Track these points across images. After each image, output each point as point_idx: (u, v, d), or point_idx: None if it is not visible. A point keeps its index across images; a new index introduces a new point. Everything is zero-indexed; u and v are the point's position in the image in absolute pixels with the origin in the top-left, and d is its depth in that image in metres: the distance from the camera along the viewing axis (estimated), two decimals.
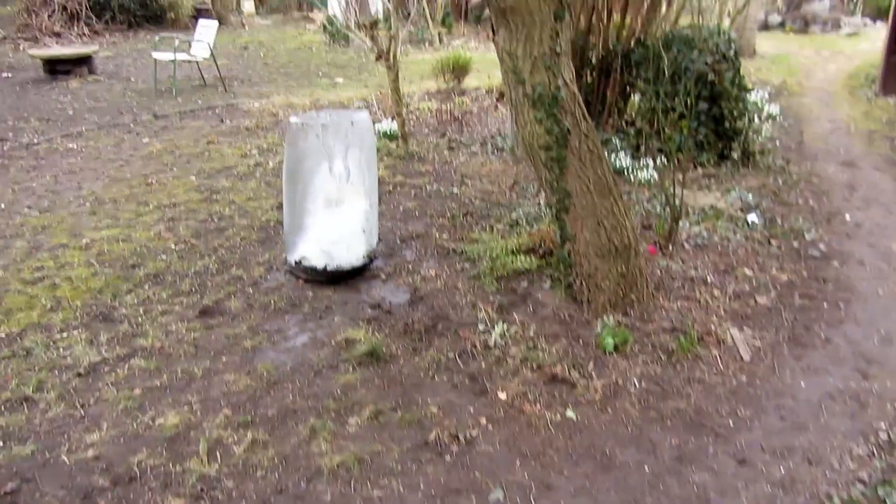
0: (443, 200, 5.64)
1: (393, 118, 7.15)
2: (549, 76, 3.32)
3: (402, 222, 5.24)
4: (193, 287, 4.29)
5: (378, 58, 6.29)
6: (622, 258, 3.67)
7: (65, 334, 3.78)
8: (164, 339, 3.72)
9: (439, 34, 14.74)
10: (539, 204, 5.32)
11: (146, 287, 4.30)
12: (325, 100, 9.43)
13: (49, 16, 14.98)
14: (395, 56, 6.36)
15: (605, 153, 6.16)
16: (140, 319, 3.92)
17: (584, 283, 3.76)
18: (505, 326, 3.69)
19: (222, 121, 8.40)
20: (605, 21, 6.49)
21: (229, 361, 3.53)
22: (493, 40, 3.48)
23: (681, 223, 4.71)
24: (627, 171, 5.98)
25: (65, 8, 15.17)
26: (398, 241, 4.91)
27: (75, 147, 7.36)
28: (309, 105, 9.14)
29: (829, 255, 4.65)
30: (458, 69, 9.74)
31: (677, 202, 4.48)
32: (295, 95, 9.82)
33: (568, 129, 3.40)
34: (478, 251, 4.57)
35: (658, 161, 5.77)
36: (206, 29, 10.39)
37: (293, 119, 4.20)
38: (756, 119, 6.96)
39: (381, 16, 14.49)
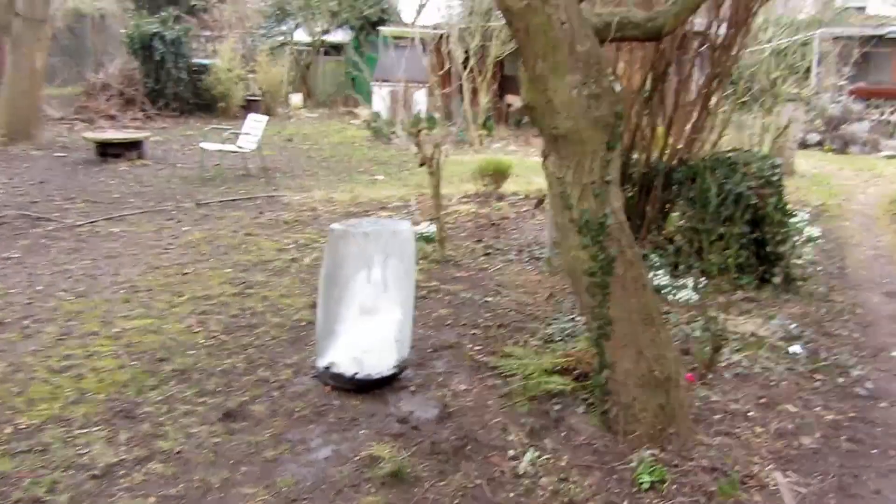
0: (476, 309, 5.57)
1: (431, 221, 7.19)
2: (597, 203, 3.29)
3: (435, 330, 5.16)
4: (219, 387, 4.22)
5: (422, 164, 6.39)
6: (662, 390, 3.53)
7: (85, 430, 3.70)
8: (184, 442, 3.62)
9: (480, 136, 15.06)
10: (574, 320, 5.21)
11: (171, 384, 4.24)
12: (364, 196, 9.57)
13: (107, 100, 15.68)
14: (438, 163, 6.45)
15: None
16: (162, 419, 3.84)
17: (620, 413, 3.61)
18: (536, 454, 3.53)
19: (262, 213, 8.53)
20: (647, 139, 6.54)
21: (248, 472, 3.41)
22: (543, 164, 3.48)
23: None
24: (665, 290, 5.88)
25: (122, 93, 15.88)
26: (430, 351, 4.81)
27: (117, 231, 7.50)
28: (348, 201, 9.27)
29: (876, 395, 4.43)
30: (498, 174, 9.86)
31: (719, 328, 4.36)
32: (335, 190, 9.99)
33: (613, 257, 3.35)
34: (510, 367, 4.45)
35: (698, 282, 5.67)
36: (256, 123, 10.74)
37: (335, 226, 4.22)
38: (797, 242, 6.86)
39: (423, 115, 14.93)
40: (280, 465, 3.47)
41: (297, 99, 19.95)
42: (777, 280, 6.14)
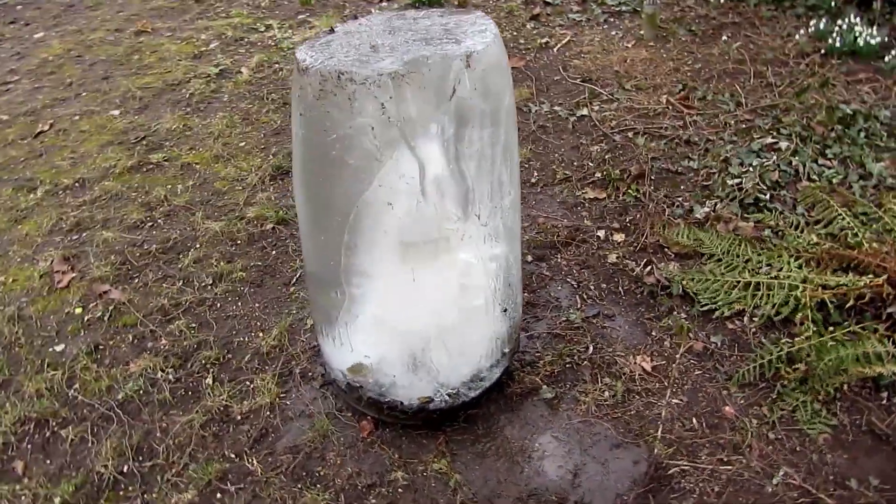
0: (573, 139, 3.08)
1: None
2: None
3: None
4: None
5: None
6: None
7: None
8: None
9: None
10: (776, 148, 2.79)
11: None
12: None
13: None
14: None
15: None
16: None
17: None
18: None
19: None
20: None
21: None
22: None
23: None
24: None
25: None
26: (530, 260, 2.43)
27: None
28: None
29: None
30: None
31: None
32: None
33: None
34: (715, 298, 2.12)
35: None
36: None
37: (302, 54, 1.56)
38: None
39: None
40: None
41: None
42: None
